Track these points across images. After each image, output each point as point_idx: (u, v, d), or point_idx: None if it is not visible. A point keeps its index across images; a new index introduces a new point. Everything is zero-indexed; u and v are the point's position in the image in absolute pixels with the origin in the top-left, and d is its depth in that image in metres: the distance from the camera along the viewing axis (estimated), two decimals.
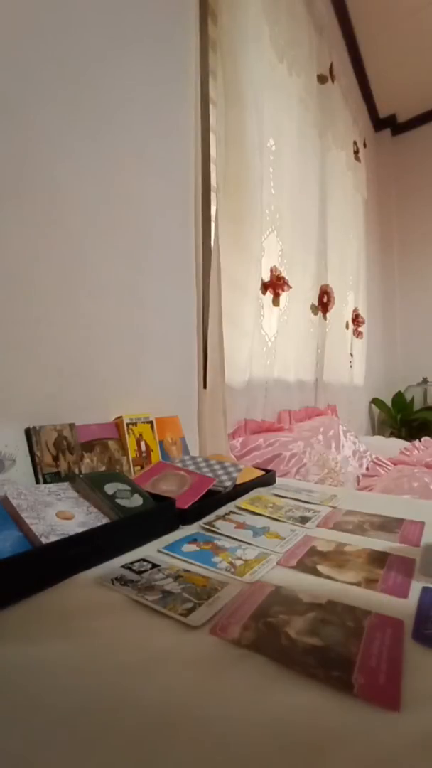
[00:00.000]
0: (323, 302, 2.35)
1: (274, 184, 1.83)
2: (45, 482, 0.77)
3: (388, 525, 0.77)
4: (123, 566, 0.58)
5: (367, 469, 1.96)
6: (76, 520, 0.64)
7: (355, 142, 2.90)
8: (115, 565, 0.58)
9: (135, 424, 1.02)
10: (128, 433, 0.99)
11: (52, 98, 0.86)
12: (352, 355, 2.80)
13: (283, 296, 1.89)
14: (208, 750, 0.30)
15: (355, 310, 2.88)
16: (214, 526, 0.74)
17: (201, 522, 0.77)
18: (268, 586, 0.53)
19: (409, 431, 3.24)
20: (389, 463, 2.02)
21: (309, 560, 0.61)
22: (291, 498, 0.95)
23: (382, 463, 2.01)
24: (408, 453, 2.18)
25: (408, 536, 0.71)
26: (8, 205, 0.79)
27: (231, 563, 0.60)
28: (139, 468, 0.99)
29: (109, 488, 0.73)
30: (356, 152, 2.92)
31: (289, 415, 1.96)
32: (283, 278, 1.87)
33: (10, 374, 0.79)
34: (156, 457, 1.05)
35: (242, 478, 0.98)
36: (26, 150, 0.82)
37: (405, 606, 0.49)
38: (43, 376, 0.85)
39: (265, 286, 1.78)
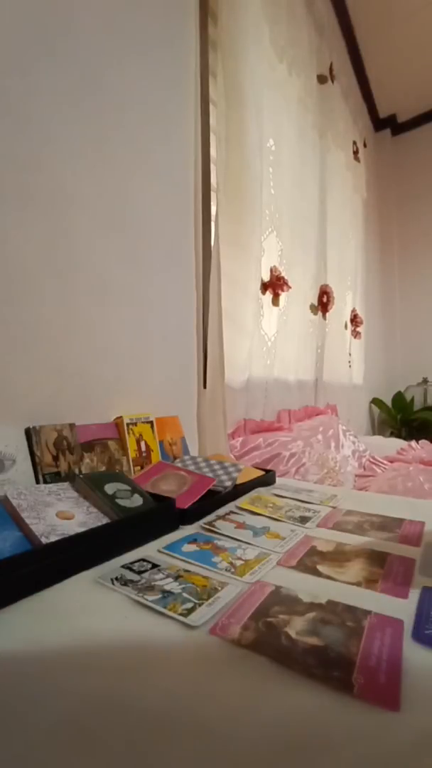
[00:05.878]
0: (323, 302, 2.35)
1: (274, 184, 1.83)
2: (45, 482, 0.77)
3: (388, 525, 0.77)
4: (123, 566, 0.58)
5: (364, 468, 1.95)
6: (76, 520, 0.64)
7: (354, 142, 2.90)
8: (115, 565, 0.58)
9: (135, 424, 1.02)
10: (128, 433, 0.99)
11: (53, 99, 0.86)
12: (350, 355, 2.80)
13: (283, 296, 1.89)
14: (208, 750, 0.30)
15: (353, 311, 2.88)
16: (214, 526, 0.74)
17: (201, 522, 0.77)
18: (268, 586, 0.53)
19: (409, 431, 3.24)
20: (385, 462, 2.02)
21: (309, 560, 0.61)
22: (291, 498, 0.95)
23: (378, 462, 2.00)
24: (404, 453, 2.18)
25: (408, 536, 0.71)
26: (9, 206, 0.79)
27: (231, 563, 0.60)
28: (139, 468, 0.99)
29: (109, 488, 0.73)
30: (356, 152, 2.92)
31: (289, 414, 1.96)
32: (283, 278, 1.87)
33: (10, 374, 0.79)
34: (156, 457, 1.05)
35: (242, 478, 0.98)
36: (27, 151, 0.82)
37: (405, 606, 0.49)
38: (43, 376, 0.85)
39: (264, 286, 1.78)
